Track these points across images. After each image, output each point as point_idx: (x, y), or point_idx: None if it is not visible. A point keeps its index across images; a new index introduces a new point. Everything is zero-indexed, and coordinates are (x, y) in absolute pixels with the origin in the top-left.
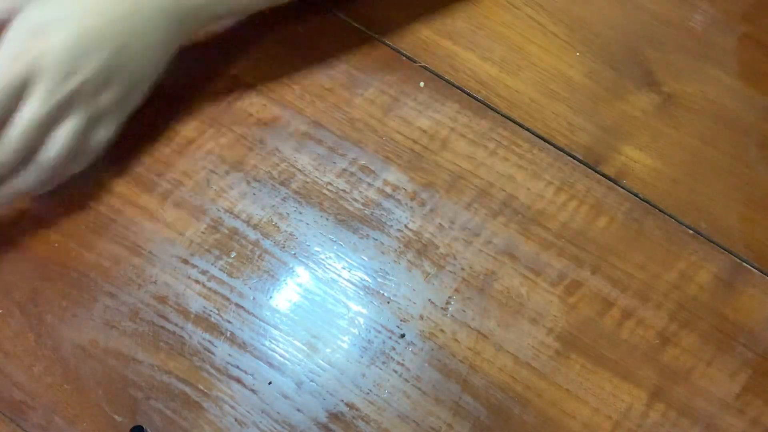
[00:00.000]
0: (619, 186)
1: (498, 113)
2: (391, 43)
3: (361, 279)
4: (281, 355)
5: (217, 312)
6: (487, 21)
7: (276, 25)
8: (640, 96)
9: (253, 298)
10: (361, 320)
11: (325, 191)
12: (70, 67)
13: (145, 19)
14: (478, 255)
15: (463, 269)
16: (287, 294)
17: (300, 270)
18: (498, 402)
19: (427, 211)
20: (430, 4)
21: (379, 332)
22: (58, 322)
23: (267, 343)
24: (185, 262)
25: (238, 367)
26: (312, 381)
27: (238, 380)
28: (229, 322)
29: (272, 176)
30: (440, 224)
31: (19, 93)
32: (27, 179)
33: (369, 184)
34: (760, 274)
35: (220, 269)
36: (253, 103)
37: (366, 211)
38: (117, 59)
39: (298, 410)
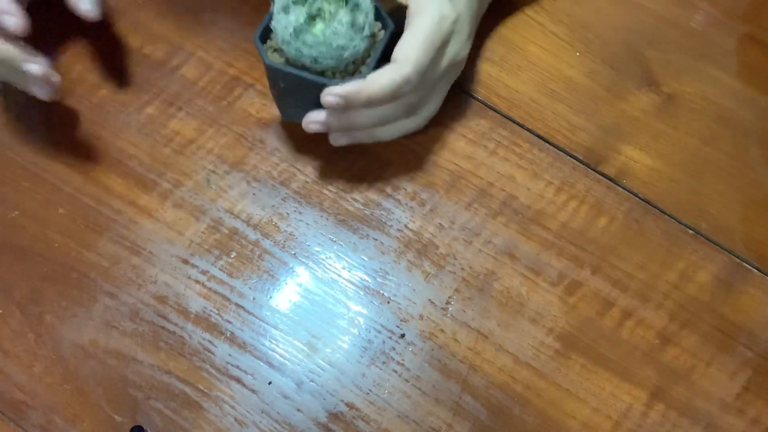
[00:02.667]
0: (619, 186)
1: (498, 113)
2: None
3: (361, 279)
4: (281, 355)
5: (217, 312)
6: (487, 21)
7: None
8: (640, 96)
9: (253, 298)
10: (361, 320)
11: (325, 191)
12: (470, 27)
13: None
14: (478, 255)
15: (463, 269)
16: (287, 294)
17: (300, 270)
18: (498, 402)
19: (427, 211)
20: None
21: (379, 332)
22: (58, 322)
23: (267, 343)
24: (185, 262)
25: (238, 367)
26: (312, 381)
27: (238, 380)
28: (229, 322)
29: (272, 176)
30: (440, 224)
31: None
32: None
33: (369, 184)
34: (760, 274)
35: (220, 269)
36: (253, 103)
37: (366, 211)
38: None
39: (298, 410)
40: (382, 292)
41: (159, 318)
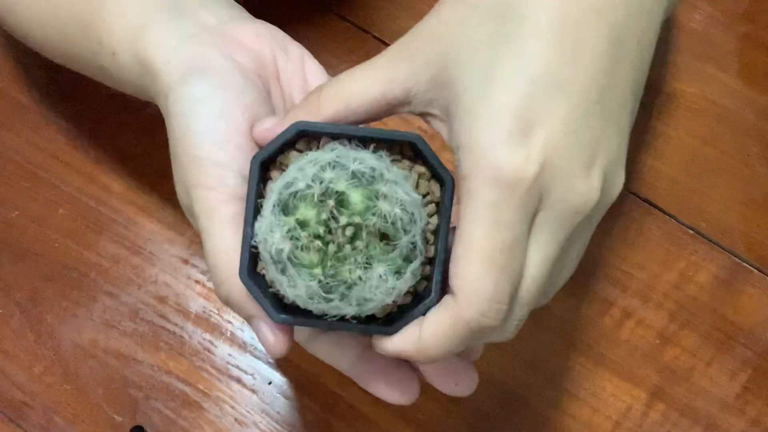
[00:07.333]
0: None
1: None
2: (391, 44)
3: None
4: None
5: (217, 312)
6: None
7: (276, 24)
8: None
9: None
10: None
11: None
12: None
13: None
14: None
15: None
16: None
17: None
18: (498, 402)
19: None
20: (430, 5)
21: None
22: (58, 322)
23: None
24: (185, 262)
25: (238, 367)
26: (313, 381)
27: (238, 380)
28: (229, 322)
29: None
30: None
31: None
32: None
33: None
34: (760, 274)
35: None
36: None
37: None
38: None
39: (299, 410)
40: None
41: (159, 318)
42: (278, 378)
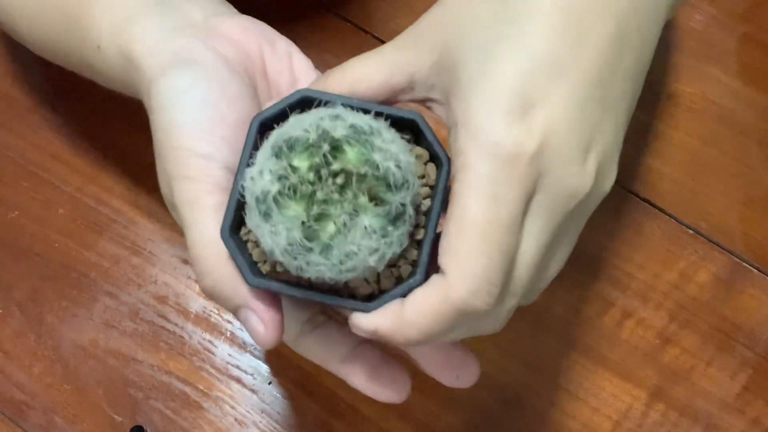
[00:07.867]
0: (619, 186)
1: None
2: None
3: None
4: (282, 355)
5: (217, 312)
6: None
7: (275, 23)
8: (640, 96)
9: None
10: None
11: None
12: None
13: None
14: None
15: None
16: None
17: None
18: (498, 402)
19: None
20: (429, 5)
21: None
22: (58, 322)
23: None
24: (185, 262)
25: (238, 367)
26: (313, 382)
27: (238, 380)
28: (229, 322)
29: None
30: None
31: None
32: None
33: None
34: (760, 274)
35: None
36: None
37: None
38: None
39: (299, 410)
40: None
41: (159, 318)
42: (278, 378)
